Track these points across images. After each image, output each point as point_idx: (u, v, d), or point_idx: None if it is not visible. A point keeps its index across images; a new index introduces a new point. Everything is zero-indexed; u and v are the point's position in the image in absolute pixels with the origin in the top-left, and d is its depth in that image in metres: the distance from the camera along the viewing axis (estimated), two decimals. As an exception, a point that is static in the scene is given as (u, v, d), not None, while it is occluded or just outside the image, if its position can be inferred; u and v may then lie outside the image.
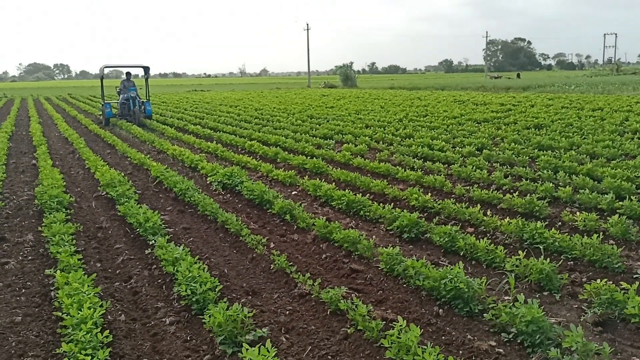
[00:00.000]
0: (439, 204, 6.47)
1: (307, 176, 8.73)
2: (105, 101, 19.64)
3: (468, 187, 7.52)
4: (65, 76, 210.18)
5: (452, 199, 6.78)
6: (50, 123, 21.19)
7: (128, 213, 6.34)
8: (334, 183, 8.09)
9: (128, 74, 19.40)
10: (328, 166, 9.38)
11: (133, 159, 10.88)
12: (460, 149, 10.59)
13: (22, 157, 12.24)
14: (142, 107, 18.75)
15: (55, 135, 16.85)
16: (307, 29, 74.74)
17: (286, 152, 10.94)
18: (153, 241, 5.44)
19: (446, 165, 9.19)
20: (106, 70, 19.74)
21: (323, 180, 8.35)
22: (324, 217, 6.00)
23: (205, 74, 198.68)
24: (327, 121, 17.50)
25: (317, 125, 16.10)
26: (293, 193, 8.07)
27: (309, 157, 9.99)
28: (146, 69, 19.09)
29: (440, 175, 8.22)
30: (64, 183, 8.20)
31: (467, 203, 6.75)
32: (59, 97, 46.07)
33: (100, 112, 21.41)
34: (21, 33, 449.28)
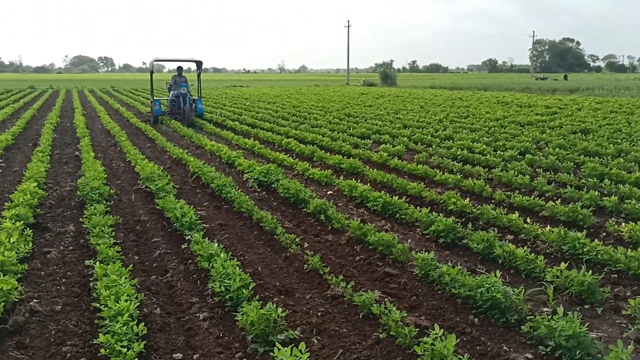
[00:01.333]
0: (478, 209, 6.38)
1: (343, 176, 8.74)
2: (155, 98, 18.71)
3: (509, 193, 7.38)
4: (109, 69, 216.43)
5: (491, 205, 6.67)
6: (93, 115, 21.84)
7: (166, 207, 6.49)
8: (369, 184, 8.07)
9: (179, 68, 18.26)
10: (364, 166, 9.37)
11: (172, 154, 11.12)
12: (502, 153, 10.39)
13: (66, 149, 12.67)
14: (193, 105, 17.87)
15: (98, 127, 17.36)
16: (348, 26, 74.75)
17: (323, 151, 10.97)
18: (189, 236, 5.55)
19: (487, 169, 9.03)
20: (156, 64, 19.44)
21: (359, 180, 8.34)
22: (359, 219, 6.00)
23: (244, 69, 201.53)
24: (365, 120, 17.46)
25: (355, 124, 16.09)
26: (328, 193, 8.09)
27: (345, 157, 10.00)
28: (199, 64, 18.15)
29: (480, 179, 8.10)
30: (105, 175, 8.45)
31: (507, 209, 6.63)
32: (102, 90, 47.45)
33: (149, 110, 20.36)
34: (68, 25, 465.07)
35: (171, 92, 18.04)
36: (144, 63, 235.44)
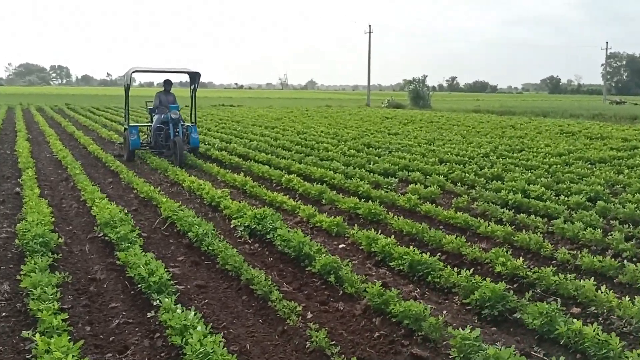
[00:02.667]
0: (534, 273, 6.34)
1: (359, 225, 8.74)
2: (131, 124, 17.33)
3: (575, 252, 7.34)
4: (64, 81, 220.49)
5: (552, 267, 6.63)
6: (41, 140, 22.18)
7: (129, 262, 6.51)
8: (394, 236, 8.06)
9: (167, 82, 17.04)
10: (387, 213, 9.38)
11: (140, 192, 11.22)
12: (566, 199, 10.37)
13: (4, 183, 12.82)
14: (186, 134, 16.43)
15: (46, 156, 17.62)
16: (369, 32, 75.91)
17: (334, 192, 11.03)
18: (158, 301, 5.54)
19: (546, 219, 9.01)
20: (136, 77, 18.84)
21: (380, 231, 8.33)
22: (379, 282, 5.97)
23: (236, 84, 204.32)
24: (390, 152, 17.55)
25: (376, 158, 16.16)
26: (340, 247, 8.08)
27: (363, 200, 10.01)
28: (194, 76, 17.21)
29: (538, 232, 8.07)
30: (53, 219, 8.51)
31: (573, 273, 6.57)
32: (53, 108, 48.34)
33: (122, 141, 18.45)
34: (13, 27, 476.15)
35: (156, 116, 16.55)
36: (108, 75, 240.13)
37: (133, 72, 16.82)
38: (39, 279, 5.71)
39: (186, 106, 18.50)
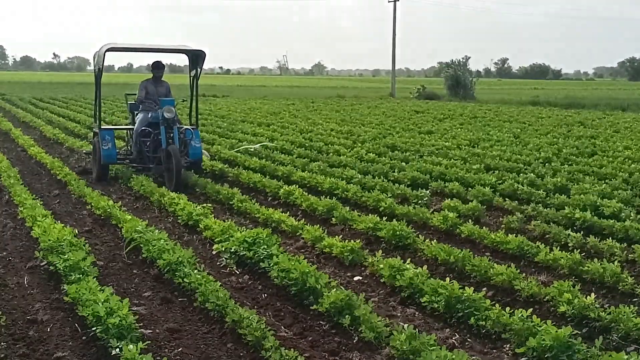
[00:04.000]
0: (609, 314, 6.31)
1: (381, 251, 8.73)
2: (104, 126, 15.49)
3: (663, 286, 7.32)
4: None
5: (634, 306, 6.59)
6: (-33, 141, 22.22)
7: (81, 299, 6.49)
8: (425, 265, 8.04)
9: (158, 66, 15.34)
10: (418, 235, 9.37)
11: (95, 208, 11.23)
12: (652, 217, 10.35)
13: None
14: (184, 143, 14.31)
15: (-26, 161, 17.62)
16: (395, 1, 75.90)
17: (347, 208, 11.01)
18: (117, 350, 5.53)
19: (625, 244, 8.98)
20: (109, 56, 16.93)
21: (408, 259, 8.33)
22: (408, 325, 5.96)
23: (221, 68, 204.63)
24: (421, 157, 17.57)
25: (403, 164, 16.18)
26: (356, 279, 8.08)
27: (385, 218, 10.00)
28: (194, 57, 15.35)
29: (614, 261, 8.04)
30: (-18, 242, 8.53)
31: (660, 314, 6.56)
32: (-17, 99, 48.33)
33: (89, 151, 16.42)
34: None
35: (140, 115, 14.79)
36: (55, 56, 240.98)
37: (107, 50, 14.67)
38: (-37, 320, 5.71)
39: (184, 100, 17.51)
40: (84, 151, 17.09)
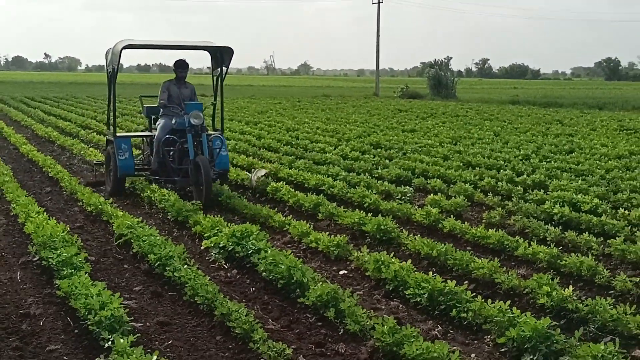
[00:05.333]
0: (587, 305, 6.35)
1: (365, 245, 8.75)
2: (119, 133, 13.30)
3: (638, 279, 7.36)
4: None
5: (609, 298, 6.64)
6: (-40, 139, 22.10)
7: (73, 293, 6.48)
8: (409, 259, 8.07)
9: (181, 65, 13.03)
10: (401, 230, 9.39)
11: (86, 204, 11.19)
12: (627, 213, 10.41)
13: None
14: (212, 152, 12.24)
15: (-34, 159, 17.52)
16: (379, 2, 75.98)
17: (333, 204, 11.04)
18: (109, 342, 5.53)
19: (601, 238, 9.03)
20: (126, 54, 15.19)
21: (392, 253, 8.35)
22: (391, 317, 5.98)
23: (208, 68, 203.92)
24: (404, 154, 17.60)
25: (387, 161, 16.22)
26: (341, 273, 8.09)
27: (370, 214, 10.02)
28: (220, 55, 13.22)
29: (591, 255, 8.09)
30: (-24, 239, 8.50)
31: (635, 306, 6.59)
32: (-24, 99, 48.04)
33: (100, 161, 14.26)
34: None
35: (162, 121, 12.66)
36: (46, 56, 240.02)
37: (124, 47, 12.38)
38: (-43, 315, 5.70)
39: (212, 104, 14.46)
40: (94, 161, 14.66)
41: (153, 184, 12.50)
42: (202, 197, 11.36)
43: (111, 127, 13.06)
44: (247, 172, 14.11)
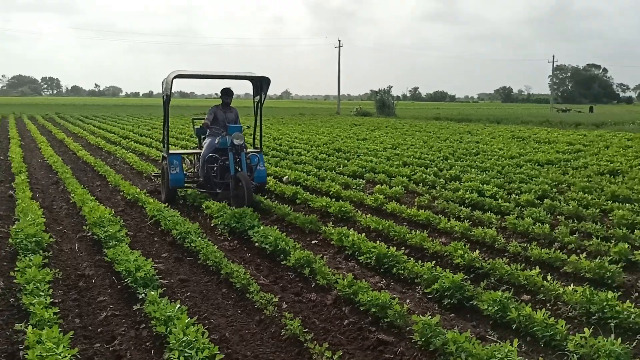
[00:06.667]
0: (489, 264, 6.42)
1: (331, 222, 8.76)
2: (172, 151, 11.43)
3: (525, 244, 7.44)
4: (54, 92, 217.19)
5: (505, 258, 6.73)
6: (33, 147, 21.80)
7: (116, 259, 6.44)
8: (362, 232, 8.10)
9: (227, 92, 11.27)
10: (356, 211, 9.43)
11: (126, 194, 11.08)
12: (517, 197, 10.52)
13: (-2, 187, 12.56)
14: (250, 167, 10.66)
15: (37, 161, 17.31)
16: (339, 46, 76.10)
17: (307, 192, 11.03)
18: (143, 294, 5.49)
19: (499, 215, 9.12)
20: (177, 83, 12.93)
21: (350, 227, 8.37)
22: (349, 274, 5.99)
23: (216, 94, 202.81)
24: (358, 156, 17.63)
25: (346, 161, 16.25)
26: (313, 242, 8.10)
27: (334, 199, 10.04)
28: (259, 84, 11.36)
29: (492, 227, 8.17)
30: (44, 219, 8.37)
31: (524, 264, 6.66)
32: (45, 117, 47.52)
33: (158, 173, 12.44)
34: (5, 41, 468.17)
35: (207, 140, 10.96)
36: (96, 85, 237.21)
37: (175, 77, 10.77)
38: (32, 275, 5.63)
39: (248, 127, 12.95)
40: (153, 174, 13.03)
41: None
42: (244, 203, 9.51)
43: (165, 145, 11.38)
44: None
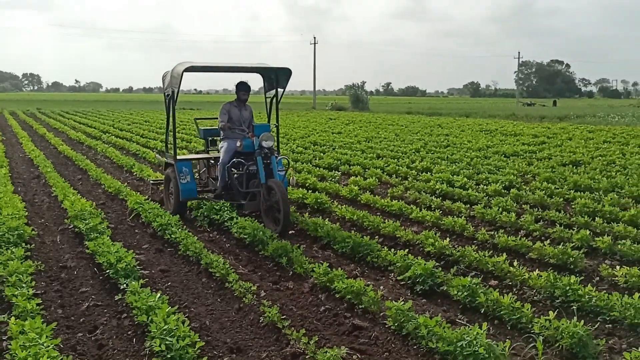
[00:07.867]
0: (459, 251, 6.48)
1: (307, 213, 8.76)
2: (180, 157, 9.24)
3: (493, 232, 7.52)
4: (35, 87, 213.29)
5: (474, 246, 6.79)
6: (14, 141, 21.43)
7: (98, 251, 6.36)
8: (338, 222, 8.10)
9: (243, 87, 9.18)
10: (332, 202, 9.43)
11: (107, 187, 10.94)
12: (485, 187, 10.62)
13: (-20, 181, 12.31)
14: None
15: (19, 156, 17.01)
16: (314, 43, 75.84)
17: (284, 185, 10.99)
18: (125, 285, 5.44)
19: (468, 205, 9.21)
20: (187, 77, 10.96)
21: (326, 218, 8.37)
22: (325, 263, 6.00)
23: (195, 89, 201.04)
24: (333, 149, 17.62)
25: (321, 154, 16.21)
26: (290, 232, 8.08)
27: (310, 191, 10.03)
28: (276, 77, 9.47)
29: (461, 217, 8.24)
30: (26, 213, 8.25)
31: (491, 251, 6.75)
32: (26, 112, 46.62)
33: (157, 180, 10.50)
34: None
35: (225, 143, 8.87)
36: (76, 81, 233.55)
37: (186, 70, 8.52)
38: (14, 268, 5.54)
39: (275, 126, 9.55)
40: (151, 181, 10.60)
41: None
42: (279, 225, 7.77)
43: (169, 150, 9.62)
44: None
